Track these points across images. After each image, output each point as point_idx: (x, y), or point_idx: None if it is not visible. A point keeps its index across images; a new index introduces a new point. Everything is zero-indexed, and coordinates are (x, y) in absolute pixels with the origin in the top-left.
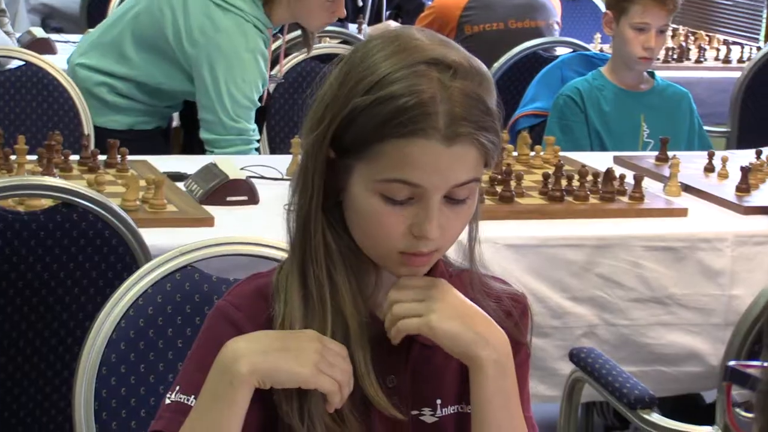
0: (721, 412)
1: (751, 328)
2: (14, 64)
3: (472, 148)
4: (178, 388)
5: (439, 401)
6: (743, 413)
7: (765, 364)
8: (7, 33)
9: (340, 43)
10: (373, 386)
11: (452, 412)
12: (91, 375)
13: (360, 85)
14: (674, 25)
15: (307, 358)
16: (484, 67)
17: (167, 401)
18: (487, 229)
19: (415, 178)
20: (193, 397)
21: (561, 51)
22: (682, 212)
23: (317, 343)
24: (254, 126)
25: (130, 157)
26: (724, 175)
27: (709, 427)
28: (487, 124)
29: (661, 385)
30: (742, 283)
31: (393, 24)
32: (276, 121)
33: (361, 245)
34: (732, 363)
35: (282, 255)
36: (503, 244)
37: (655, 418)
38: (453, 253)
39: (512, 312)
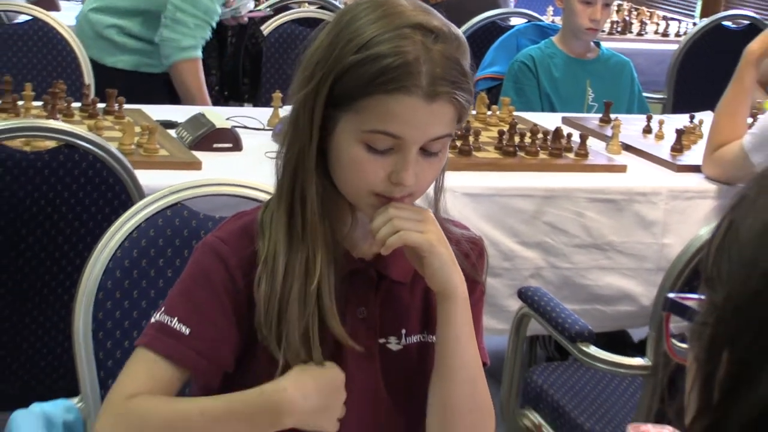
0: (652, 345)
1: (681, 273)
2: (22, 18)
3: (450, 105)
4: (163, 309)
5: (404, 331)
6: (678, 343)
7: (702, 297)
8: None
9: (319, 8)
10: (335, 318)
11: (415, 341)
12: (89, 299)
13: (349, 46)
14: (619, 1)
15: (336, 415)
16: (460, 32)
17: (152, 320)
18: (448, 179)
19: (397, 131)
20: (176, 319)
21: (516, 21)
22: (621, 168)
23: (344, 395)
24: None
25: (126, 106)
26: (660, 137)
27: (639, 359)
28: (463, 85)
29: (599, 322)
30: (673, 233)
31: None
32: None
33: (341, 188)
34: (671, 295)
35: (262, 196)
36: (461, 192)
37: (593, 350)
38: (419, 201)
39: (470, 254)
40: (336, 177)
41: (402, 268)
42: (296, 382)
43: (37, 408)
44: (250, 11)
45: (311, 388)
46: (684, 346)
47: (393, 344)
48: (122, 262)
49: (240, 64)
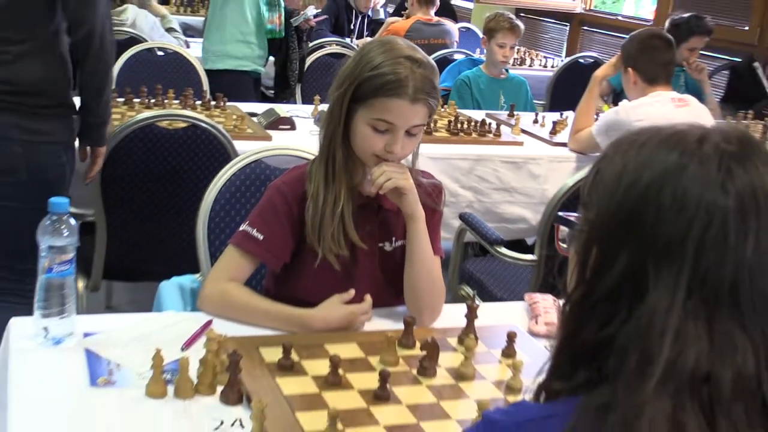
0: (540, 246)
1: (555, 206)
2: (162, 52)
3: (425, 106)
4: (247, 223)
5: (393, 238)
6: (562, 244)
7: (578, 215)
8: (176, 38)
9: (342, 47)
10: (353, 231)
11: (399, 244)
12: (205, 215)
13: (366, 66)
14: (519, 47)
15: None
16: (433, 63)
17: (240, 229)
18: (420, 148)
19: (391, 119)
20: (255, 229)
21: (459, 56)
22: (520, 143)
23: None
24: None
25: (228, 103)
26: (543, 125)
27: (530, 255)
28: (434, 94)
29: (506, 234)
30: (551, 182)
31: (369, 39)
32: (307, 88)
33: (356, 152)
34: (560, 213)
35: (309, 156)
36: (427, 156)
37: (503, 250)
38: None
39: (432, 193)
40: (353, 145)
41: (390, 202)
42: (323, 317)
43: (175, 280)
44: (315, 16)
45: (331, 319)
46: (564, 246)
47: (387, 247)
48: (225, 195)
49: (289, 67)
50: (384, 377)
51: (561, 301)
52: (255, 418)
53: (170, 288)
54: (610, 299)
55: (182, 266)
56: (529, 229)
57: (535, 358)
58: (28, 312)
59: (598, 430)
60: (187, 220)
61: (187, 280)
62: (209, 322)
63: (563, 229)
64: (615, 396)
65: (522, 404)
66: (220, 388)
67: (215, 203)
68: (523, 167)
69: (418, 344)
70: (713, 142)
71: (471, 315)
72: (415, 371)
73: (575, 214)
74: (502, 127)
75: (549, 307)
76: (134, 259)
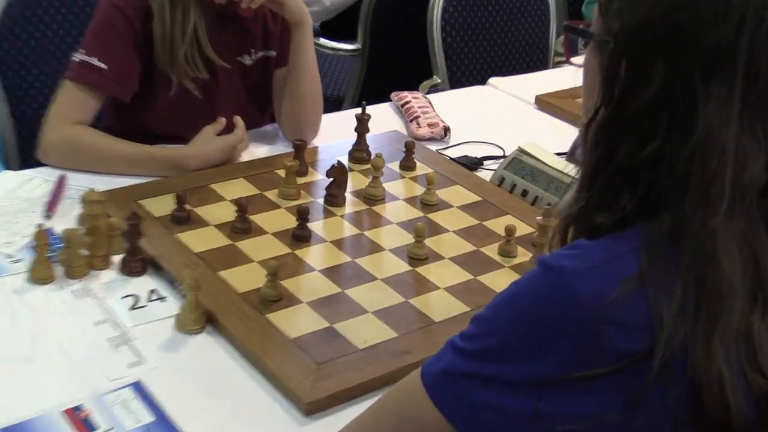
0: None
1: None
2: None
3: None
4: (82, 50)
5: (252, 50)
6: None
7: (587, 24)
8: None
9: None
10: (209, 48)
11: (260, 56)
12: None
13: None
14: None
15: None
16: None
17: (74, 59)
18: None
19: None
20: (95, 58)
21: None
22: None
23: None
24: None
25: None
26: None
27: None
28: None
29: (317, 17)
30: None
31: None
32: None
33: None
34: (567, 22)
35: None
36: None
37: (322, 41)
38: None
39: None
40: None
41: (245, 9)
42: (202, 153)
43: None
44: None
45: (210, 155)
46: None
47: (247, 60)
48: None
49: None
50: (303, 215)
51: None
52: (188, 289)
53: None
54: (648, 115)
55: None
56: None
57: (436, 165)
58: None
59: (675, 261)
60: None
61: None
62: (64, 177)
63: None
64: (682, 222)
65: (581, 246)
66: (116, 259)
67: None
68: None
69: (310, 170)
70: None
71: (362, 128)
72: (321, 201)
73: (582, 22)
74: None
75: (425, 105)
76: None
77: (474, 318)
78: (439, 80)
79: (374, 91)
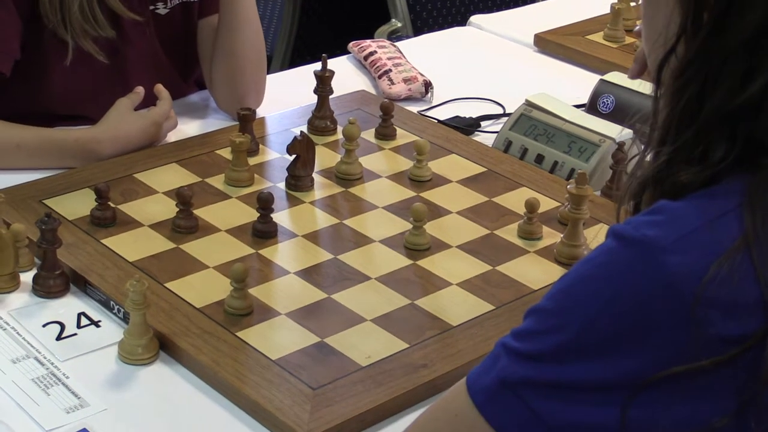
0: None
1: None
2: None
3: None
4: None
5: None
6: None
7: None
8: None
9: None
10: None
11: (177, 2)
12: None
13: None
14: None
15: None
16: None
17: None
18: None
19: None
20: None
21: None
22: None
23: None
24: None
25: None
26: None
27: None
28: None
29: None
30: None
31: None
32: None
33: None
34: None
35: None
36: None
37: None
38: None
39: None
40: None
41: None
42: (117, 135)
43: None
44: None
45: (130, 136)
46: None
47: (161, 9)
48: None
49: None
50: (265, 203)
51: None
52: (133, 307)
53: None
54: (744, 52)
55: None
56: None
57: (421, 131)
58: None
59: None
60: None
61: None
62: None
63: None
64: None
65: (666, 210)
66: (25, 277)
67: None
68: None
69: (262, 147)
70: None
71: (325, 89)
72: (282, 185)
73: None
74: None
75: (396, 56)
76: None
77: (531, 311)
78: (399, 24)
79: (312, 44)
